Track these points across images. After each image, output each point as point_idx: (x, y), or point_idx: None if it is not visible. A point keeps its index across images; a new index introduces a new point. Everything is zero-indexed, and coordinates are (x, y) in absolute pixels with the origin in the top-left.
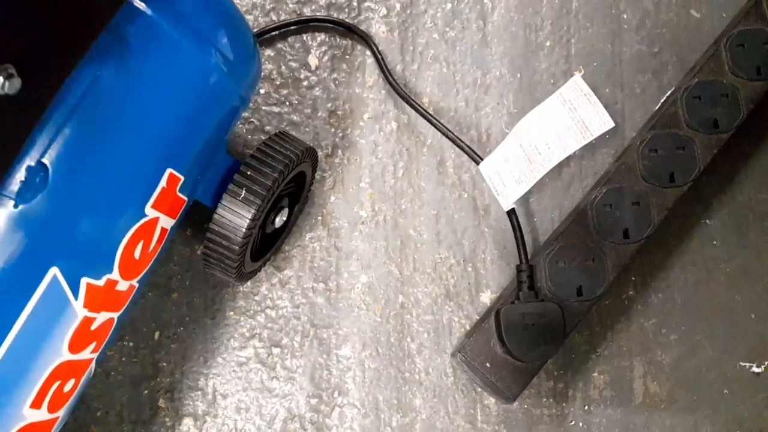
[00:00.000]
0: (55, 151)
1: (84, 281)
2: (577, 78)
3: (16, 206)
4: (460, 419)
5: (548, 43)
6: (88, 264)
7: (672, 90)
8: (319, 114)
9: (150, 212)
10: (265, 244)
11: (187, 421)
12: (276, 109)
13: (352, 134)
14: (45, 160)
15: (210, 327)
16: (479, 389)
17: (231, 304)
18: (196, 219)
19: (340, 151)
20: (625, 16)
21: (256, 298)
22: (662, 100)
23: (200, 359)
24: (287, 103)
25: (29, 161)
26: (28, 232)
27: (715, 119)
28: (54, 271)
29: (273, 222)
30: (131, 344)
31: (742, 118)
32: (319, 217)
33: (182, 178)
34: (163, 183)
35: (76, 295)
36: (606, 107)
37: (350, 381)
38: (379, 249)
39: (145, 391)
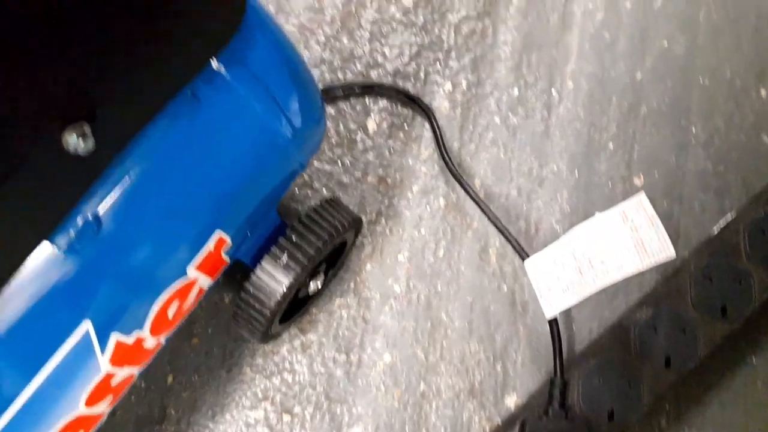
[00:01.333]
0: (110, 206)
1: (114, 337)
2: (643, 197)
3: (63, 256)
4: None
5: (611, 145)
6: (121, 320)
7: (735, 216)
8: (368, 179)
9: (191, 273)
10: (295, 306)
11: None
12: (327, 168)
13: (399, 204)
14: (99, 213)
15: (224, 380)
16: None
17: (249, 360)
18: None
19: (383, 220)
20: (694, 130)
21: (275, 358)
22: (723, 225)
23: (209, 412)
24: (339, 163)
25: (83, 213)
26: (70, 282)
27: None
28: (87, 324)
29: (307, 287)
30: (143, 384)
31: None
32: (352, 284)
33: (229, 241)
34: (210, 245)
35: (103, 349)
36: (662, 219)
37: None
38: (408, 329)
39: None
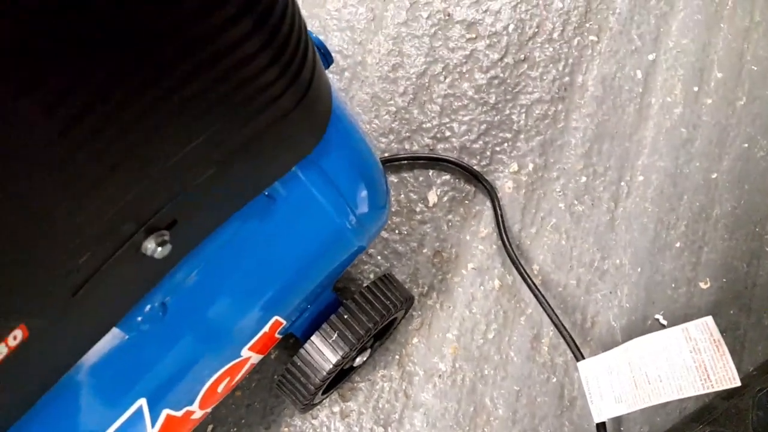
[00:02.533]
0: (179, 292)
1: (165, 413)
2: (709, 320)
3: (127, 338)
4: None
5: (678, 245)
6: (175, 399)
7: None
8: (424, 250)
9: (245, 353)
10: (338, 377)
11: None
12: (385, 235)
13: (452, 280)
14: (166, 302)
15: None
16: None
17: (288, 420)
18: None
19: (435, 294)
20: None
21: (314, 422)
22: None
23: None
24: (397, 232)
25: (152, 301)
26: (133, 362)
27: None
28: (141, 402)
29: (353, 360)
30: None
31: None
32: (397, 356)
33: (285, 323)
34: (266, 328)
35: (153, 424)
36: (725, 330)
37: None
38: (450, 410)
39: None
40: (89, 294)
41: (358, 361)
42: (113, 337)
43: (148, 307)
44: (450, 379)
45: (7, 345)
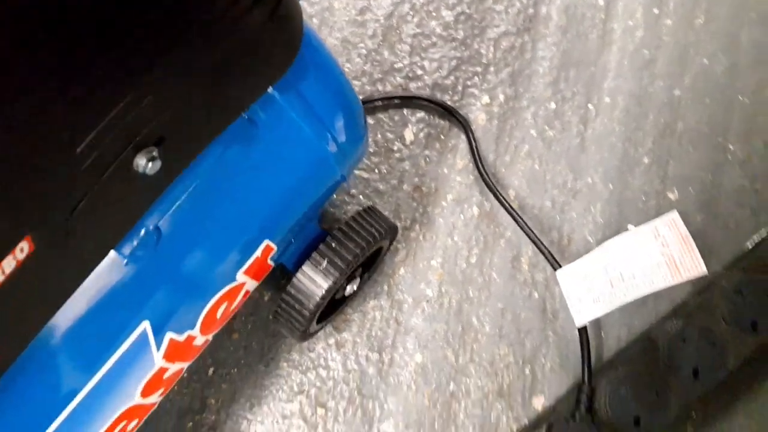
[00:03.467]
0: (170, 218)
1: (168, 336)
2: (675, 215)
3: (126, 264)
4: None
5: (646, 160)
6: (176, 321)
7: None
8: (404, 187)
9: (240, 277)
10: (331, 307)
11: None
12: (365, 175)
13: (433, 212)
14: (160, 226)
15: (262, 374)
16: None
17: (286, 355)
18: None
19: (417, 226)
20: (731, 148)
21: (311, 354)
22: (757, 240)
23: (247, 404)
24: (376, 171)
25: (146, 225)
26: (132, 287)
27: None
28: (145, 324)
29: (344, 289)
30: (185, 375)
31: None
32: (385, 287)
33: (275, 248)
34: (258, 253)
35: (158, 347)
36: (694, 234)
37: None
38: (439, 331)
39: (189, 424)
40: (87, 212)
41: (349, 290)
42: (112, 263)
43: (143, 231)
44: (437, 303)
45: (14, 257)
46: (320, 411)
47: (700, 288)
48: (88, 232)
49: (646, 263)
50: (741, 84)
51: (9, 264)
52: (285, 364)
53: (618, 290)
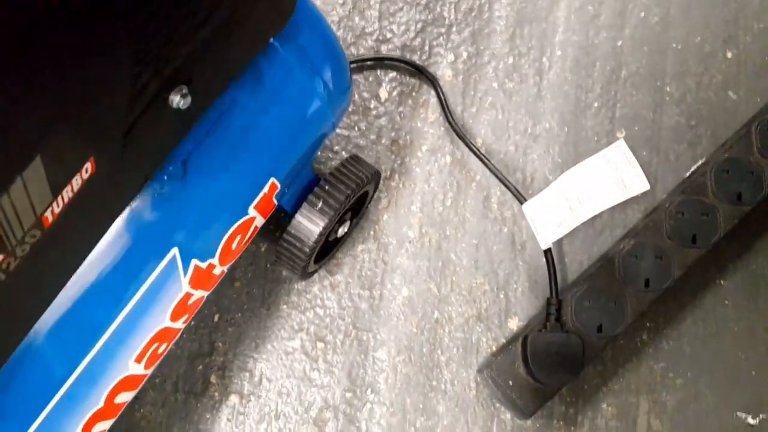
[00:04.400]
0: (195, 154)
1: (193, 262)
2: (621, 142)
3: (157, 194)
4: (478, 430)
5: (596, 104)
6: (200, 249)
7: (703, 161)
8: (382, 141)
9: (251, 212)
10: (325, 249)
11: (234, 399)
12: (345, 132)
13: (410, 162)
14: (186, 161)
15: (264, 317)
16: (498, 404)
17: (285, 298)
18: None
19: (397, 176)
20: (668, 89)
21: (308, 296)
22: (693, 169)
23: (252, 344)
24: (356, 128)
25: (175, 161)
26: (164, 215)
27: (739, 193)
28: (175, 251)
29: (336, 231)
30: (192, 323)
31: (764, 195)
32: (372, 232)
33: (279, 186)
34: (265, 189)
35: (185, 272)
36: (642, 168)
37: (383, 381)
38: (422, 267)
39: (200, 367)
40: (136, 137)
41: (341, 231)
42: (147, 194)
43: (172, 167)
44: (419, 243)
45: (81, 177)
46: (320, 345)
47: (648, 213)
48: (135, 158)
49: (599, 186)
50: (673, 33)
51: (77, 182)
52: (285, 306)
53: (577, 212)
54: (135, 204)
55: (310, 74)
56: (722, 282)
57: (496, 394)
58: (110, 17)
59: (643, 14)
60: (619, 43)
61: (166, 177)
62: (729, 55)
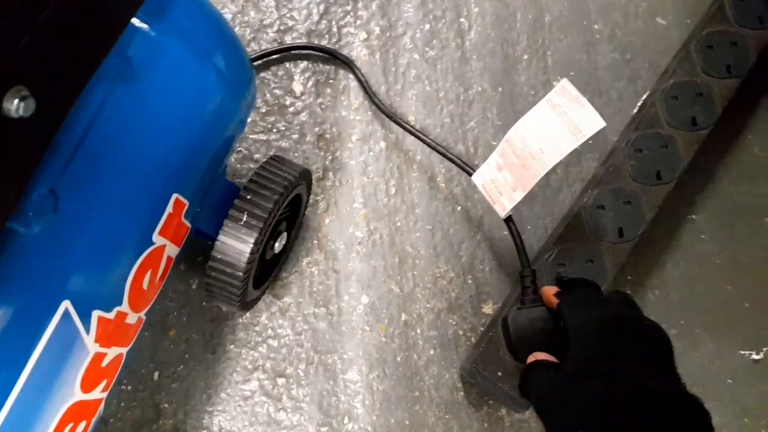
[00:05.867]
0: (65, 178)
1: (95, 314)
2: (565, 82)
3: (26, 236)
4: None
5: (526, 57)
6: (100, 296)
7: (649, 92)
8: (307, 138)
9: (157, 240)
10: (265, 271)
11: None
12: (264, 137)
13: (342, 156)
14: (55, 188)
15: (211, 362)
16: (491, 401)
17: (231, 337)
18: (189, 253)
19: (331, 174)
20: (596, 27)
21: (257, 328)
22: (640, 103)
23: (203, 397)
24: (275, 130)
25: (40, 189)
26: (39, 263)
27: (693, 117)
28: (66, 304)
29: (273, 247)
30: (129, 387)
31: (717, 115)
32: (315, 241)
33: (187, 203)
34: (169, 208)
35: (87, 329)
36: None
37: (359, 405)
38: (378, 268)
39: None
40: None
41: (277, 247)
42: (11, 238)
43: (37, 198)
44: (369, 241)
45: None
46: (281, 381)
47: (604, 158)
48: None
49: (550, 134)
50: None
51: None
52: (232, 346)
53: (532, 169)
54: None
55: (198, 59)
56: (694, 216)
57: (487, 389)
58: None
59: None
60: None
61: (31, 213)
62: None
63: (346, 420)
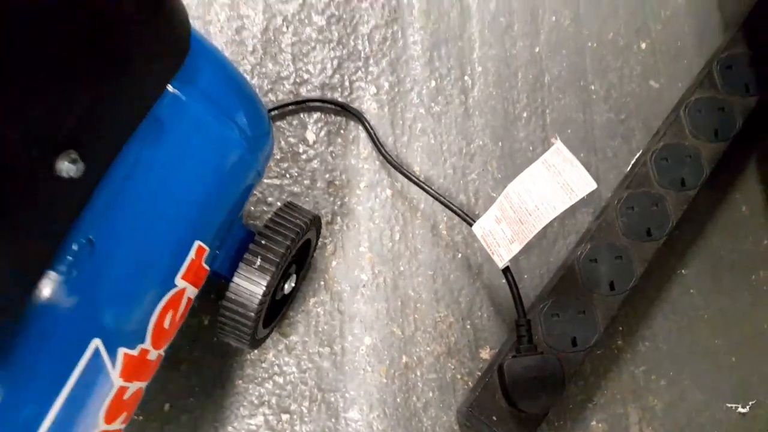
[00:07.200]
0: (101, 227)
1: (121, 351)
2: (559, 144)
3: (64, 281)
4: None
5: (525, 114)
6: (126, 334)
7: (641, 152)
8: (318, 184)
9: (179, 283)
10: (274, 310)
11: None
12: (277, 182)
13: (350, 202)
14: (91, 236)
15: (219, 396)
16: None
17: (239, 372)
18: (202, 290)
19: (339, 219)
20: (593, 87)
21: (264, 365)
22: (633, 162)
23: (211, 429)
24: (287, 176)
25: (79, 238)
26: (75, 305)
27: (682, 178)
28: (96, 342)
29: (282, 288)
30: (141, 418)
31: (705, 176)
32: (322, 282)
33: (208, 249)
34: (192, 254)
35: (113, 365)
36: None
37: None
38: (381, 311)
39: None
40: (21, 221)
41: (287, 288)
42: (51, 282)
43: (75, 246)
44: (373, 284)
45: None
46: (285, 417)
47: (598, 214)
48: (20, 250)
49: (545, 193)
50: (587, 31)
51: None
52: (240, 382)
53: (528, 224)
54: (39, 298)
55: (220, 119)
56: (683, 271)
57: None
58: None
59: (554, 18)
60: (537, 49)
61: (71, 258)
62: (643, 45)
63: None
